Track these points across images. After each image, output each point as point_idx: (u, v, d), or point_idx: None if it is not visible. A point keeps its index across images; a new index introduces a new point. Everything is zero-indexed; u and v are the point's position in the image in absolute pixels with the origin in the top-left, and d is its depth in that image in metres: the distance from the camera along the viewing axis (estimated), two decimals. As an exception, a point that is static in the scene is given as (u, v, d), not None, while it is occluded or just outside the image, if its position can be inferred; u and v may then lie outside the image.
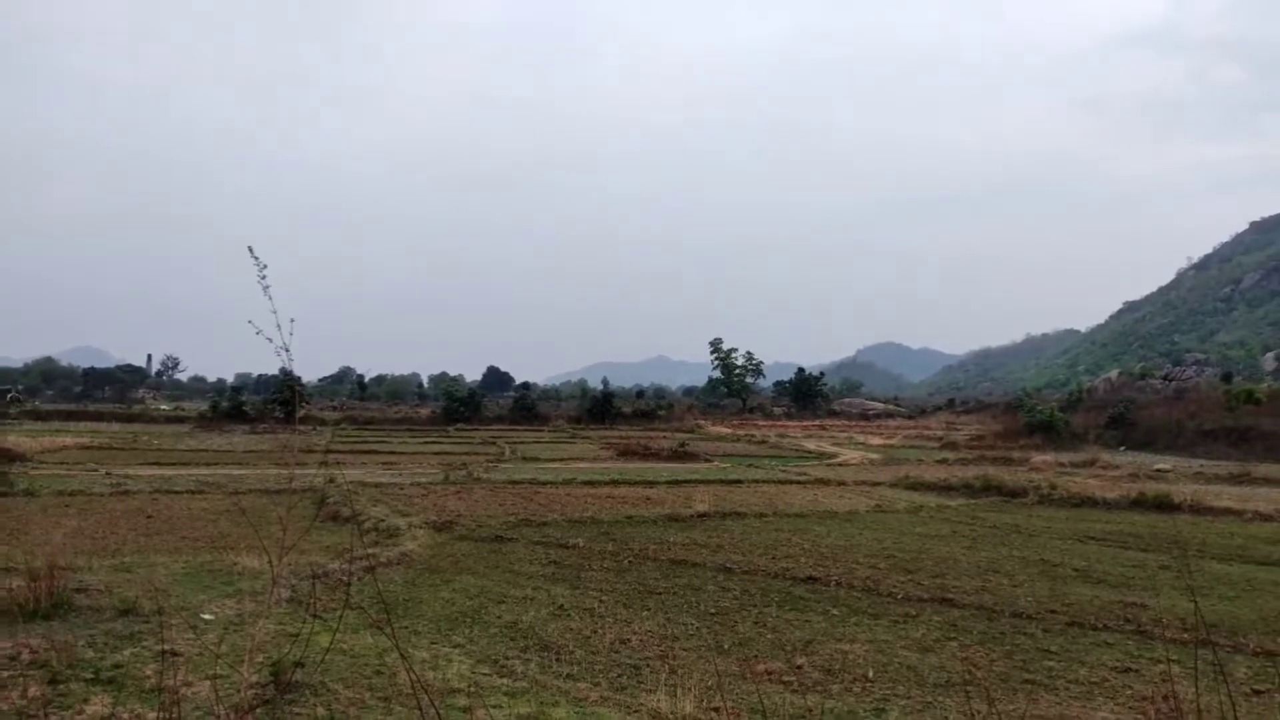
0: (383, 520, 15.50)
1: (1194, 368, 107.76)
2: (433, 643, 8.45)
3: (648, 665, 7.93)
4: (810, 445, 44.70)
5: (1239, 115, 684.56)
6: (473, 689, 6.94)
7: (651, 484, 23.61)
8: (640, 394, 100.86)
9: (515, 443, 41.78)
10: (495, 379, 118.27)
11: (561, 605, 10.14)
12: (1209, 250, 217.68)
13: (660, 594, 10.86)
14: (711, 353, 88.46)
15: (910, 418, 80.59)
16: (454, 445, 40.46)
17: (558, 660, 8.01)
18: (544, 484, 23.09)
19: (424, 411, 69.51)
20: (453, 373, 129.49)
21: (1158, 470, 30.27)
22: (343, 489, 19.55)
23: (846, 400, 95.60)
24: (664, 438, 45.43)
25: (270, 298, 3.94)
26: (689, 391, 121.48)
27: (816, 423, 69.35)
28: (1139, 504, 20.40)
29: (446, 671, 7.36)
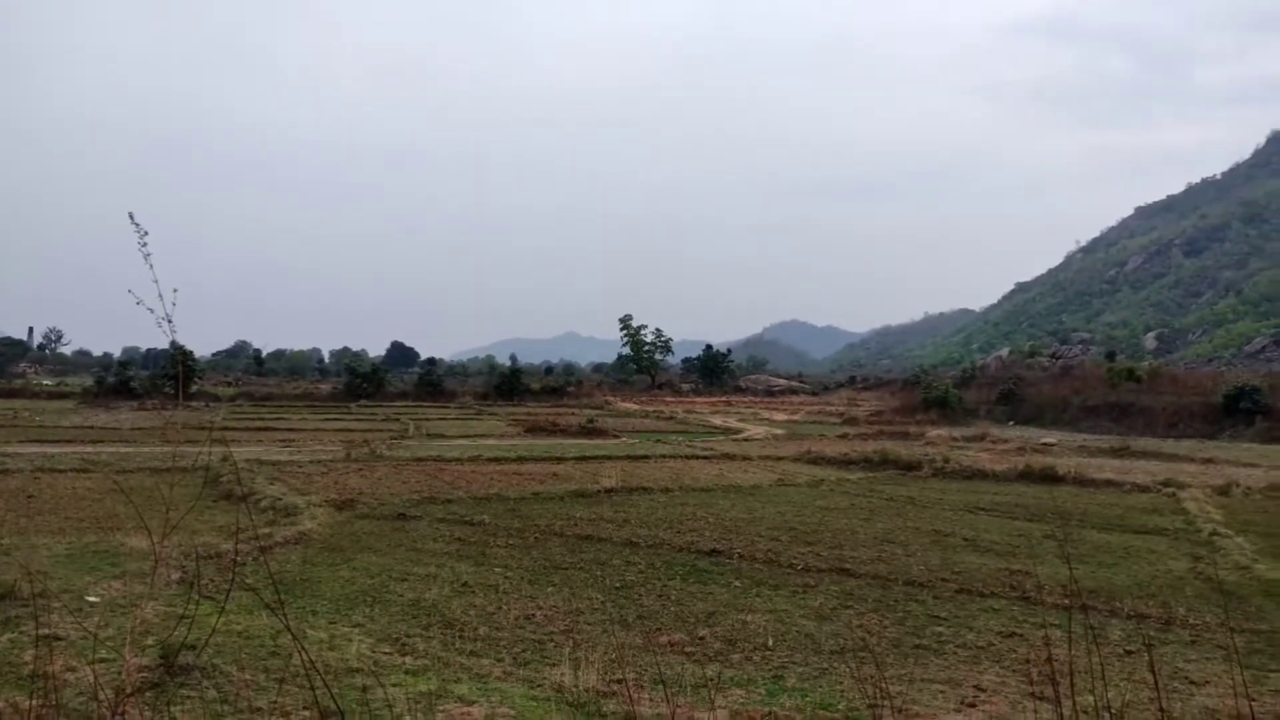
0: (280, 499, 15.09)
1: (1079, 346, 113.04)
2: (331, 622, 8.30)
3: (552, 640, 7.95)
4: (717, 421, 45.31)
5: (1126, 104, 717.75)
6: (372, 668, 6.85)
7: (559, 460, 23.59)
8: (549, 370, 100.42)
9: (420, 419, 41.14)
10: (400, 354, 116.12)
11: (466, 582, 10.07)
12: (1096, 234, 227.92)
13: (566, 569, 10.88)
14: (621, 329, 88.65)
15: (813, 394, 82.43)
16: (356, 422, 39.64)
17: (461, 637, 7.96)
18: (449, 461, 22.83)
19: (325, 387, 67.71)
20: (355, 348, 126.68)
21: (1044, 444, 31.69)
22: (237, 467, 18.95)
23: (753, 377, 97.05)
24: (572, 414, 45.39)
25: (151, 266, 3.76)
26: (599, 368, 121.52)
27: (723, 399, 70.31)
28: (1026, 476, 21.30)
29: (345, 651, 7.24)
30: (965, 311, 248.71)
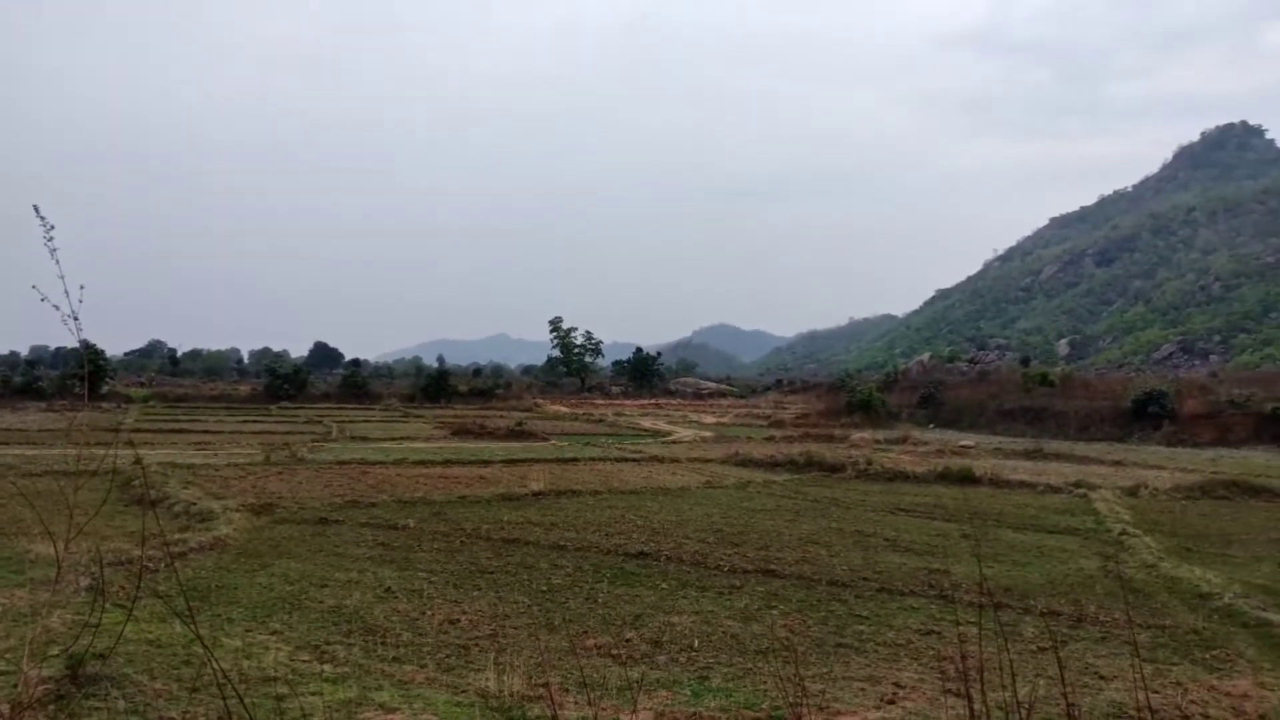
0: (194, 503, 14.64)
1: (996, 352, 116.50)
2: (247, 630, 8.08)
3: (477, 645, 7.87)
4: (646, 424, 45.43)
5: (1044, 116, 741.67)
6: (290, 676, 6.68)
7: (487, 463, 23.37)
8: (478, 372, 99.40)
9: (344, 422, 40.37)
10: (323, 355, 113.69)
11: (389, 587, 9.90)
12: (1013, 243, 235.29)
13: (492, 573, 10.77)
14: (551, 332, 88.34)
15: (741, 397, 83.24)
16: (276, 424, 38.69)
17: (383, 644, 7.82)
18: (373, 464, 22.43)
19: (244, 389, 65.91)
20: (276, 348, 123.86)
21: (962, 446, 32.53)
22: (148, 470, 18.33)
23: (682, 380, 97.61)
24: (501, 416, 45.04)
25: (58, 261, 3.61)
26: (528, 370, 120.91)
27: (653, 401, 70.56)
28: (945, 477, 21.82)
29: (262, 659, 7.06)
30: (889, 317, 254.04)
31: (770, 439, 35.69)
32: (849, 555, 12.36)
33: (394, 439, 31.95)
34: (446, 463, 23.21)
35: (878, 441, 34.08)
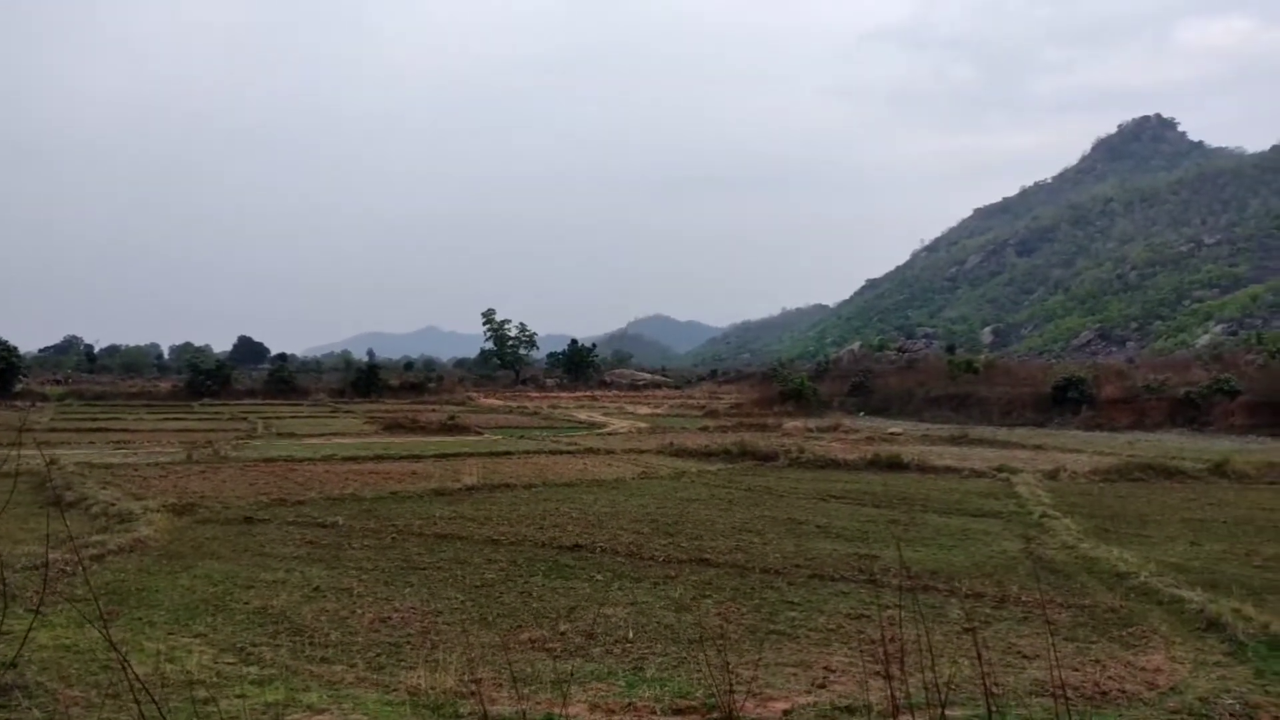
0: (113, 504, 14.15)
1: (924, 340, 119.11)
2: (170, 634, 7.85)
3: (408, 643, 7.77)
4: (581, 415, 45.38)
5: (968, 110, 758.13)
6: (215, 680, 6.52)
7: (418, 458, 23.08)
8: (409, 366, 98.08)
9: (270, 418, 39.47)
10: (248, 350, 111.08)
11: (317, 586, 9.71)
12: (939, 233, 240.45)
13: (424, 570, 10.64)
14: (484, 324, 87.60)
15: (676, 388, 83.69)
16: (199, 422, 37.67)
17: (311, 644, 7.67)
18: (301, 461, 21.98)
19: (165, 385, 64.00)
20: (199, 343, 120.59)
21: (891, 433, 33.22)
22: (66, 471, 17.69)
23: (617, 371, 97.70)
24: (433, 411, 44.55)
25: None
26: (461, 363, 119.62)
27: (588, 393, 70.48)
28: (874, 464, 22.24)
29: (186, 663, 6.87)
30: (821, 307, 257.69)
31: (705, 429, 35.94)
32: (781, 543, 12.51)
33: (322, 435, 31.36)
34: (377, 458, 22.86)
35: (810, 430, 34.56)
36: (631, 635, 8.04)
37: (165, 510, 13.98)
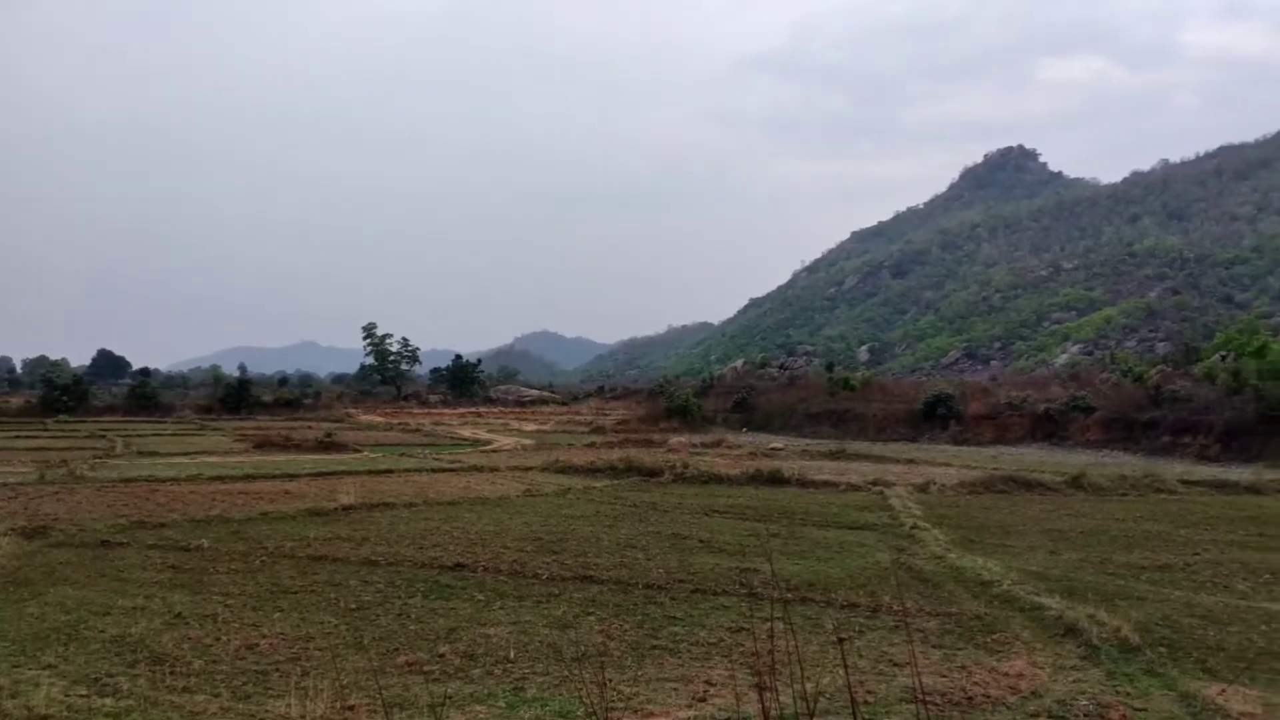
0: (-48, 529, 13.11)
1: (804, 358, 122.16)
2: (15, 666, 7.34)
3: (277, 670, 7.45)
4: (466, 432, 44.69)
5: (843, 137, 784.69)
6: (65, 714, 6.11)
7: (292, 477, 22.24)
8: (283, 381, 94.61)
9: (131, 436, 37.43)
10: (108, 364, 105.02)
11: (179, 613, 9.22)
12: (819, 255, 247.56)
13: (296, 593, 10.24)
14: (365, 339, 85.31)
15: (563, 404, 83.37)
16: (53, 440, 35.39)
17: (172, 673, 7.27)
18: (164, 481, 20.88)
19: (16, 401, 59.96)
20: (54, 356, 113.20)
21: (772, 449, 33.92)
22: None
23: (503, 387, 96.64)
24: (309, 428, 43.09)
25: None
26: (339, 379, 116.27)
27: (473, 410, 69.47)
28: (756, 479, 22.61)
29: (33, 698, 6.42)
30: (706, 325, 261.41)
31: (591, 445, 35.89)
32: (665, 558, 12.57)
33: (188, 454, 29.90)
34: (247, 478, 21.92)
35: (694, 446, 34.95)
36: (513, 655, 7.92)
37: (14, 534, 13.07)
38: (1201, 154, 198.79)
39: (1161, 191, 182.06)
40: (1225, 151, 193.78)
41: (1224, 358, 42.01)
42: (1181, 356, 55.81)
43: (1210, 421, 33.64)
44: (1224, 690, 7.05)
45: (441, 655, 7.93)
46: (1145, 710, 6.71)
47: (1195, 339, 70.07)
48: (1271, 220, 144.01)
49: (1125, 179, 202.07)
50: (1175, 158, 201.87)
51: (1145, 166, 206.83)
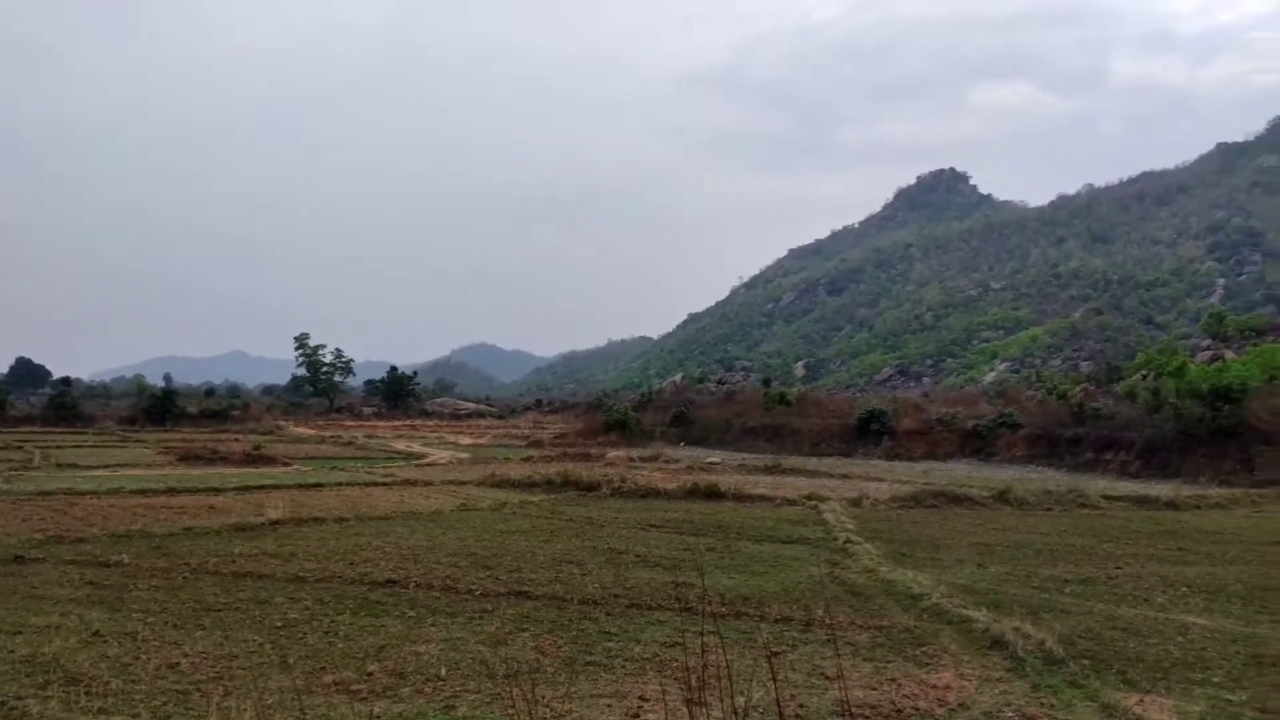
0: None
1: (741, 373, 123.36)
2: (-85, 691, 6.97)
3: (199, 690, 7.22)
4: (400, 446, 44.07)
5: (783, 155, 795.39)
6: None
7: (218, 491, 21.67)
8: (211, 392, 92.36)
9: (50, 447, 36.13)
10: (27, 372, 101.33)
11: (97, 631, 8.89)
12: (757, 271, 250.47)
13: (220, 610, 9.95)
14: (297, 349, 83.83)
15: (500, 417, 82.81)
16: (-34, 451, 33.94)
17: (87, 694, 7.01)
18: (83, 494, 20.19)
19: (-74, 411, 57.47)
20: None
21: (709, 463, 34.06)
22: None
23: (439, 400, 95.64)
24: (236, 440, 42.10)
25: None
26: (270, 390, 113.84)
27: (408, 423, 68.62)
28: (693, 493, 22.68)
29: (-68, 725, 6.11)
30: (645, 339, 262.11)
31: (528, 459, 35.64)
32: (601, 573, 12.52)
33: (109, 466, 28.96)
34: (171, 491, 21.29)
35: (632, 460, 34.95)
36: (444, 673, 7.80)
37: (-84, 551, 12.47)
38: (1125, 179, 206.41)
39: (1086, 215, 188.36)
40: (1147, 177, 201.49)
41: (1145, 377, 43.50)
42: (1104, 375, 57.68)
43: (1131, 439, 34.73)
44: (1141, 700, 7.26)
45: (370, 674, 7.77)
46: (1067, 721, 6.87)
47: (1117, 358, 72.57)
48: (1190, 245, 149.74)
49: (1052, 202, 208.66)
50: (1100, 182, 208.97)
51: (1071, 190, 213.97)
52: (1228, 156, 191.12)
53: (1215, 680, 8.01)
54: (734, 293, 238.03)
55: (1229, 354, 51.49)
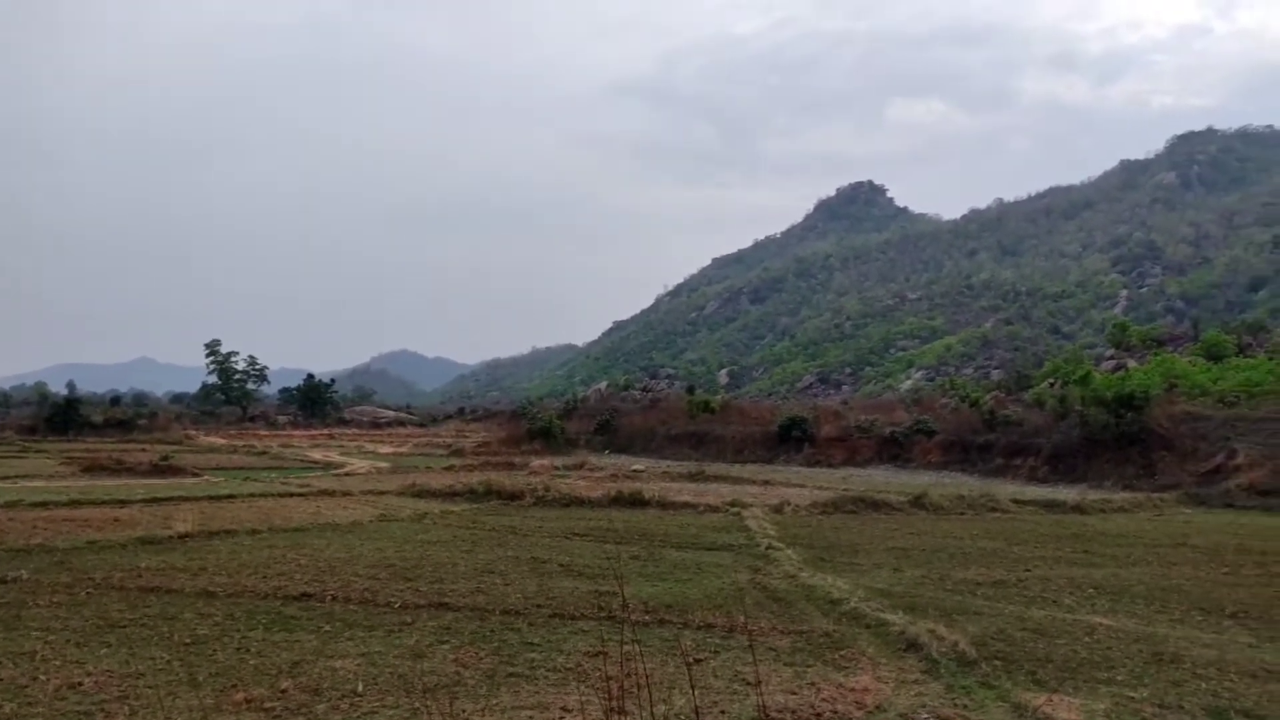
0: None
1: (666, 381, 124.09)
2: None
3: (103, 710, 6.94)
4: (317, 455, 43.05)
5: (707, 167, 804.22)
6: None
7: (124, 503, 20.82)
8: (116, 401, 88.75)
9: (-58, 459, 34.26)
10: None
11: (-10, 652, 8.45)
12: (681, 280, 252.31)
13: (125, 627, 9.55)
14: (208, 356, 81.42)
15: (422, 425, 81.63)
16: None
17: (-22, 720, 6.64)
18: (-22, 508, 19.17)
19: None
20: None
21: (634, 471, 34.13)
22: None
23: (358, 409, 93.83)
24: (143, 450, 40.57)
25: None
26: (179, 399, 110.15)
27: (325, 431, 67.15)
28: (618, 501, 22.68)
29: None
30: (570, 346, 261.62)
31: (450, 468, 35.17)
32: (524, 583, 12.41)
33: (8, 478, 27.60)
34: (73, 503, 20.39)
35: (556, 468, 34.78)
36: (361, 688, 7.63)
37: None
38: (1033, 194, 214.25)
39: (997, 228, 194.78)
40: (1054, 192, 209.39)
41: (1052, 385, 45.16)
42: (1014, 383, 59.65)
43: (1040, 445, 35.97)
44: (1050, 699, 7.50)
45: (283, 691, 7.55)
46: (980, 720, 7.05)
47: (1026, 367, 75.01)
48: (1095, 257, 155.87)
49: (964, 215, 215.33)
50: (1010, 197, 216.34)
51: (983, 204, 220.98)
52: (1130, 173, 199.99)
53: (1119, 678, 8.32)
54: (659, 301, 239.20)
55: (1132, 363, 53.84)
